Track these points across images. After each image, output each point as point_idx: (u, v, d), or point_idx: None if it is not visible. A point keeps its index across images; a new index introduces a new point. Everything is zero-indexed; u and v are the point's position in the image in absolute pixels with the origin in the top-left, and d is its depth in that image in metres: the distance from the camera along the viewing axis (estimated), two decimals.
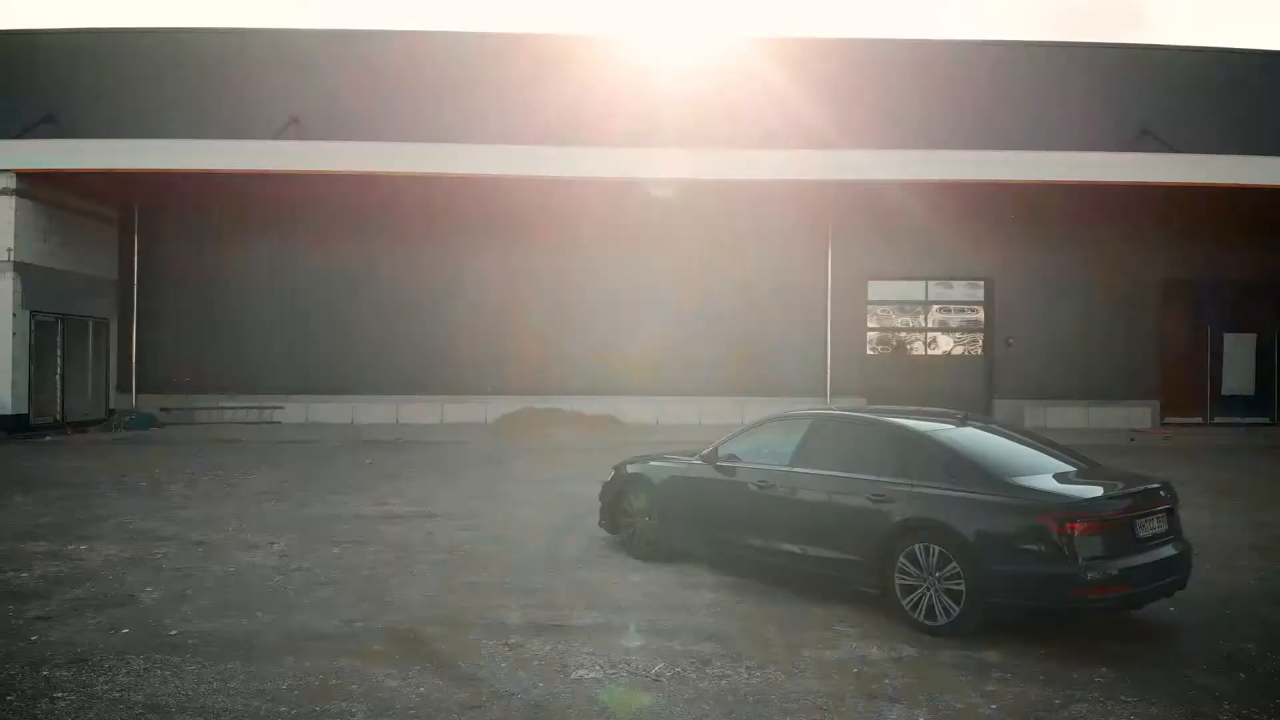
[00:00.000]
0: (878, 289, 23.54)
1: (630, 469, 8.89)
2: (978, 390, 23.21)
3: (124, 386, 22.90)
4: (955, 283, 23.68)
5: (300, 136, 22.28)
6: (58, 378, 20.43)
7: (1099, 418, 22.47)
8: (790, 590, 7.31)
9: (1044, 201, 21.49)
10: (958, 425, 7.24)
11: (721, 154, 20.65)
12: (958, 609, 6.15)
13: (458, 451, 17.30)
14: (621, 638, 6.15)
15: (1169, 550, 6.27)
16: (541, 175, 20.15)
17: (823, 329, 22.95)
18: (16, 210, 18.63)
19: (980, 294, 23.60)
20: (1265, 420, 23.29)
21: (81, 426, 20.58)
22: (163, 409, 22.22)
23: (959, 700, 5.13)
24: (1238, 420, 22.94)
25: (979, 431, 7.24)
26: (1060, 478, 6.46)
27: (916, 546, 6.38)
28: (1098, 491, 6.28)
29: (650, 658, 5.74)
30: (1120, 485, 6.46)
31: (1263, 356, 23.52)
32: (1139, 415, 22.61)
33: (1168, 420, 22.87)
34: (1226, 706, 5.06)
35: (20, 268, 18.84)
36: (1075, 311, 22.97)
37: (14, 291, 18.67)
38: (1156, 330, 23.23)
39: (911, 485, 6.57)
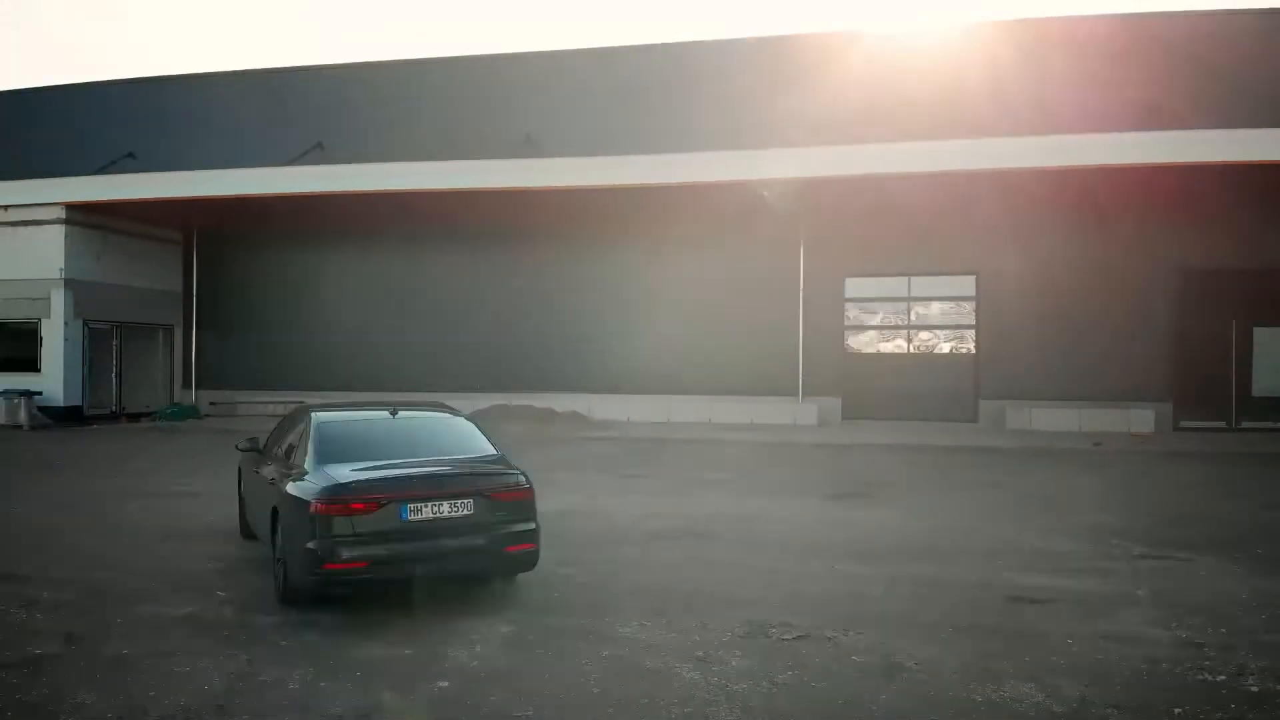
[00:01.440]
0: (856, 286, 22.85)
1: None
2: (964, 390, 22.01)
3: (188, 383, 26.54)
4: (942, 277, 22.49)
5: (325, 160, 24.91)
6: (114, 376, 24.11)
7: (1094, 420, 20.61)
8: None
9: (1044, 188, 19.98)
10: (391, 415, 7.82)
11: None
12: (285, 581, 6.85)
13: None
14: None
15: (455, 538, 6.58)
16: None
17: (795, 327, 22.61)
18: (66, 236, 22.29)
19: (970, 289, 22.29)
20: None
21: (136, 417, 24.15)
22: (211, 403, 25.57)
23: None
24: (1271, 425, 20.22)
25: (388, 422, 7.72)
26: (375, 467, 6.83)
27: (278, 524, 7.11)
28: (360, 478, 6.61)
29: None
30: (413, 473, 6.81)
31: None
32: (1141, 418, 20.50)
33: (1184, 424, 20.60)
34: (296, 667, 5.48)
35: (71, 284, 22.51)
36: (1077, 305, 21.23)
37: (65, 304, 22.33)
38: (1171, 325, 20.99)
39: (289, 470, 7.28)
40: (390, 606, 6.72)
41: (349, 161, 23.67)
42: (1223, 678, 5.36)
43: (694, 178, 20.22)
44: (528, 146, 23.68)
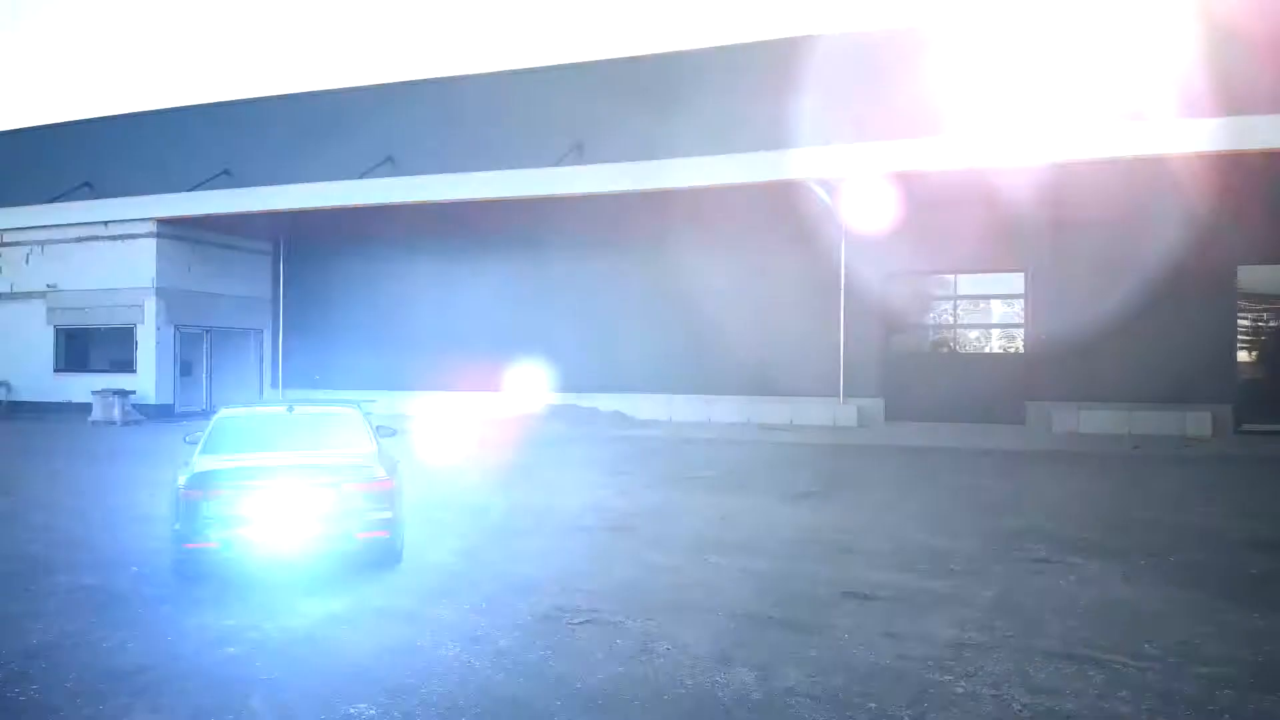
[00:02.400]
0: (901, 284, 22.45)
1: None
2: (1011, 391, 21.29)
3: (276, 383, 28.57)
4: (989, 275, 21.85)
5: (394, 173, 26.40)
6: (204, 375, 26.26)
7: (1146, 423, 19.63)
8: None
9: (1097, 180, 19.17)
10: (288, 412, 8.59)
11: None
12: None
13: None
14: None
15: (305, 525, 7.27)
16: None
17: (837, 326, 22.42)
18: (158, 248, 24.47)
19: (1019, 286, 21.56)
20: None
21: None
22: (293, 402, 27.38)
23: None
24: None
25: (281, 418, 8.50)
26: (249, 457, 7.59)
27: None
28: (219, 468, 7.37)
29: None
30: (269, 464, 7.47)
31: None
32: (1198, 420, 19.38)
33: (1245, 427, 19.36)
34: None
35: (163, 293, 24.69)
36: (1130, 303, 20.15)
37: (156, 310, 24.52)
38: (1231, 323, 19.74)
39: (192, 460, 8.13)
40: (267, 584, 7.44)
41: (416, 173, 25.02)
42: (947, 678, 5.41)
43: (757, 177, 20.06)
44: (577, 154, 24.45)
